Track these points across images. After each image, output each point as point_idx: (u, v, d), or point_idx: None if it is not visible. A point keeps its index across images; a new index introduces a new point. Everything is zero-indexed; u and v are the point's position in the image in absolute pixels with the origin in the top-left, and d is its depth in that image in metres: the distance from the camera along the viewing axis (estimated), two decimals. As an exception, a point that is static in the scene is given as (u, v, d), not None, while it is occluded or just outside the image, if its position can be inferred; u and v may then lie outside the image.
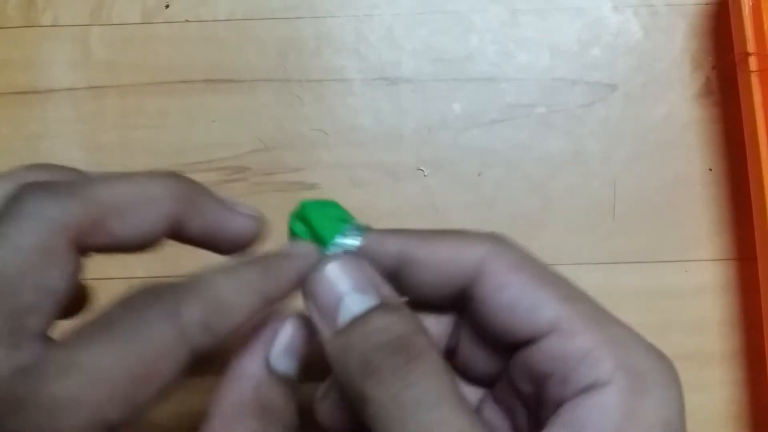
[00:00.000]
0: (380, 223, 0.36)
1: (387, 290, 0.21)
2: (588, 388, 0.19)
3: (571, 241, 0.34)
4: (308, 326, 0.22)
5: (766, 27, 0.30)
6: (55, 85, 0.35)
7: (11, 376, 0.18)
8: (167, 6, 0.36)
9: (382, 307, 0.20)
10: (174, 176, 0.22)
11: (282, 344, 0.22)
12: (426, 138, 0.35)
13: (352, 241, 0.22)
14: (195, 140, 0.35)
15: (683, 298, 0.34)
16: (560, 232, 0.34)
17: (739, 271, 0.34)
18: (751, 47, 0.31)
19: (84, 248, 0.20)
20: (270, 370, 0.21)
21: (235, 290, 0.20)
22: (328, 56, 0.35)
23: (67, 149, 0.35)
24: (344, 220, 0.23)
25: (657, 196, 0.34)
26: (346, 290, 0.20)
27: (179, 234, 0.21)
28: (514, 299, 0.20)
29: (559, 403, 0.19)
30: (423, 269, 0.22)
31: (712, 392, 0.33)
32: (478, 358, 0.22)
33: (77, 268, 0.20)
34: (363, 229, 0.22)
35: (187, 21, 0.36)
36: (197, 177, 0.36)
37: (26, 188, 0.20)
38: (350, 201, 0.34)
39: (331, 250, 0.22)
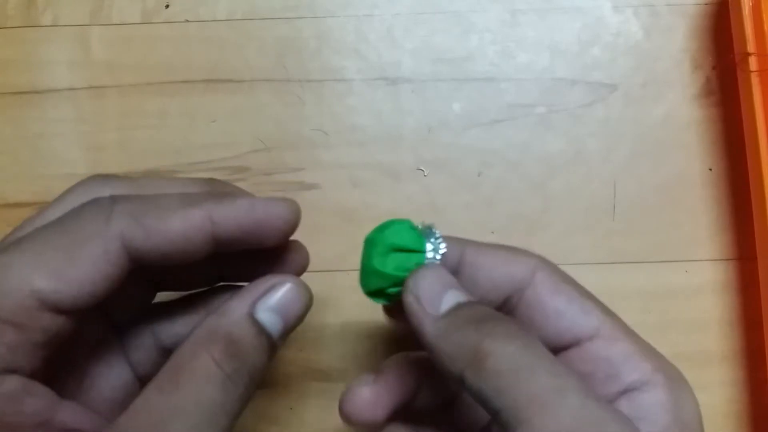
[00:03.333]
0: (380, 223, 0.36)
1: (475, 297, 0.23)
2: (634, 386, 0.22)
3: (571, 241, 0.34)
4: (305, 296, 0.23)
5: (766, 27, 0.30)
6: (55, 85, 0.35)
7: None
8: (167, 6, 0.36)
9: (479, 302, 0.22)
10: (206, 179, 0.24)
11: (273, 299, 0.22)
12: (426, 138, 0.35)
13: (439, 247, 0.24)
14: (195, 140, 0.35)
15: (683, 298, 0.34)
16: (560, 232, 0.34)
17: (739, 271, 0.34)
18: (751, 47, 0.31)
19: (135, 256, 0.21)
20: (251, 314, 0.22)
21: (175, 197, 0.22)
22: (328, 56, 0.35)
23: (67, 149, 0.35)
24: (412, 227, 0.24)
25: (657, 196, 0.34)
26: (449, 287, 0.22)
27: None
28: (565, 304, 0.23)
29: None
30: (481, 273, 0.24)
31: (712, 392, 0.33)
32: None
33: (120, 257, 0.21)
34: (436, 234, 0.24)
35: (187, 21, 0.36)
36: (197, 177, 0.36)
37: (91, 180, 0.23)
38: (350, 201, 0.34)
39: (428, 256, 0.24)
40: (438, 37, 0.36)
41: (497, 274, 0.24)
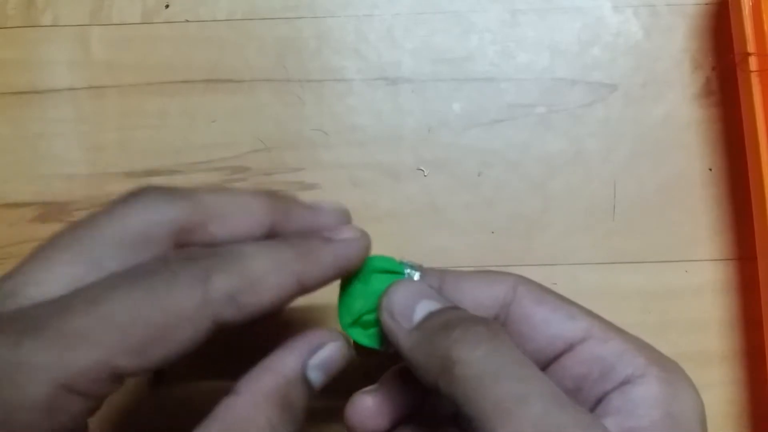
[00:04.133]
0: (380, 223, 0.36)
1: (449, 302, 0.23)
2: (627, 380, 0.22)
3: (571, 241, 0.34)
4: (348, 353, 0.23)
5: (766, 27, 0.30)
6: (55, 85, 0.35)
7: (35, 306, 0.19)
8: (167, 6, 0.36)
9: (452, 307, 0.22)
10: (269, 192, 0.24)
11: (322, 356, 0.23)
12: (426, 138, 0.35)
13: (418, 271, 0.25)
14: (195, 140, 0.35)
15: (683, 298, 0.34)
16: (560, 232, 0.34)
17: (739, 271, 0.34)
18: (751, 47, 0.31)
19: (186, 245, 0.21)
20: (304, 373, 0.22)
21: (269, 268, 0.21)
22: (328, 56, 0.35)
23: (67, 149, 0.35)
24: (392, 259, 0.25)
25: (657, 196, 0.34)
26: (420, 297, 0.23)
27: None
28: (550, 312, 0.23)
29: (599, 398, 0.22)
30: (465, 297, 0.24)
31: (712, 392, 0.33)
32: None
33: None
34: (416, 267, 0.25)
35: (187, 21, 0.36)
36: (197, 177, 0.36)
37: (145, 188, 0.22)
38: (350, 201, 0.34)
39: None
40: (438, 37, 0.36)
41: (480, 295, 0.24)
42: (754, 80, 0.30)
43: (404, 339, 0.22)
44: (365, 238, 0.23)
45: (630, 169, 0.34)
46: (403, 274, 0.24)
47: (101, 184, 0.35)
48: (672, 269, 0.34)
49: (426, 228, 0.34)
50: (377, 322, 0.24)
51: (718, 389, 0.33)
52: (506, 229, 0.34)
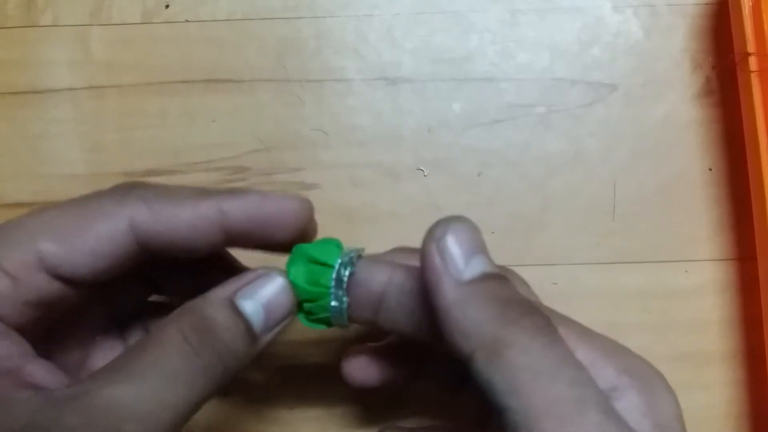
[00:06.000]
0: (380, 223, 0.36)
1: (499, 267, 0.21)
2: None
3: (571, 241, 0.34)
4: (292, 295, 0.23)
5: (766, 27, 0.30)
6: (55, 85, 0.35)
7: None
8: (167, 6, 0.36)
9: (505, 277, 0.20)
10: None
11: (257, 290, 0.22)
12: (426, 138, 0.35)
13: (354, 258, 0.23)
14: (195, 140, 0.35)
15: (683, 298, 0.34)
16: (560, 232, 0.34)
17: (739, 271, 0.34)
18: (751, 47, 0.31)
19: (142, 240, 0.22)
20: (230, 300, 0.22)
21: (189, 189, 0.22)
22: (327, 56, 0.35)
23: (67, 149, 0.35)
24: (339, 246, 0.24)
25: (657, 196, 0.34)
26: (478, 250, 0.20)
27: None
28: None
29: None
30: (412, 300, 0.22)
31: (712, 392, 0.33)
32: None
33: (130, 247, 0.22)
34: (359, 254, 0.23)
35: (187, 21, 0.36)
36: (197, 177, 0.36)
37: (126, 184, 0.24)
38: (350, 201, 0.34)
39: (339, 271, 0.23)
40: (438, 37, 0.36)
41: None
42: (754, 80, 0.30)
43: (450, 289, 0.19)
44: (304, 201, 0.23)
45: (630, 169, 0.34)
46: (333, 267, 0.23)
47: (101, 184, 0.34)
48: (672, 269, 0.34)
49: (426, 228, 0.34)
50: (319, 309, 0.23)
51: (718, 389, 0.33)
52: (506, 229, 0.34)
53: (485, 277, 0.20)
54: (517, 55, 0.35)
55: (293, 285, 0.23)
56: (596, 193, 0.34)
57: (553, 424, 0.17)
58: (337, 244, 0.24)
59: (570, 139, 0.35)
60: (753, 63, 0.30)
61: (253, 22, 0.36)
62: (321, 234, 0.33)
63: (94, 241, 0.21)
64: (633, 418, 0.19)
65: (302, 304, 0.23)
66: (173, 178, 0.34)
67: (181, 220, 0.21)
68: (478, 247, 0.20)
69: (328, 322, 0.23)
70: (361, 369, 0.25)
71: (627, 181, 0.34)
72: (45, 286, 0.21)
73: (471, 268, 0.20)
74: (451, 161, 0.35)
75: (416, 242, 0.35)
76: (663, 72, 0.35)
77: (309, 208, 0.23)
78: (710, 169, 0.34)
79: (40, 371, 0.21)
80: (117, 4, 0.36)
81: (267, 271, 0.23)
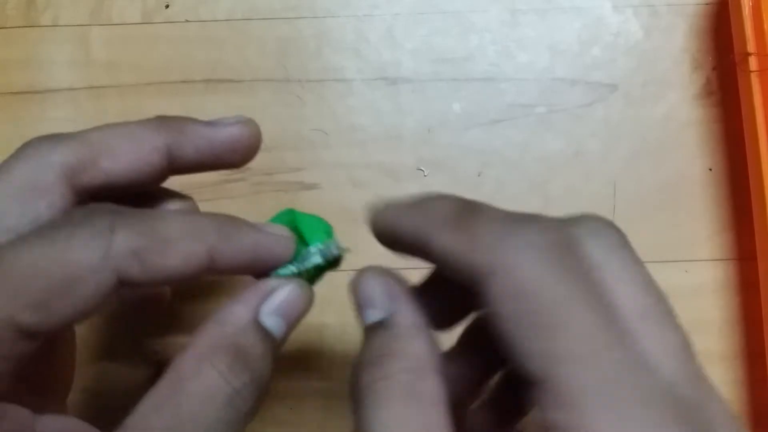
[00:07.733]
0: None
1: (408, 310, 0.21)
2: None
3: (571, 241, 0.34)
4: (307, 295, 0.22)
5: (766, 27, 0.30)
6: (55, 85, 0.35)
7: None
8: (167, 6, 0.36)
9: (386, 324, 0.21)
10: (159, 116, 0.23)
11: (276, 302, 0.21)
12: (426, 138, 0.35)
13: (333, 253, 0.23)
14: (195, 140, 0.35)
15: (683, 298, 0.33)
16: (560, 232, 0.34)
17: (739, 271, 0.34)
18: (751, 47, 0.31)
19: (81, 188, 0.21)
20: (256, 320, 0.21)
21: (181, 232, 0.20)
22: (328, 56, 0.35)
23: (67, 149, 0.35)
24: (329, 234, 0.24)
25: (657, 196, 0.34)
26: (370, 300, 0.21)
27: (178, 164, 0.22)
28: None
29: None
30: None
31: (712, 392, 0.33)
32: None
33: (67, 204, 0.21)
34: (343, 249, 0.24)
35: (187, 21, 0.36)
36: (197, 177, 0.36)
37: (33, 138, 0.22)
38: (350, 201, 0.34)
39: (311, 253, 0.23)
40: (438, 37, 0.36)
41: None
42: (754, 80, 0.30)
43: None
44: (250, 125, 0.23)
45: (630, 169, 0.34)
46: (308, 246, 0.23)
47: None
48: (672, 269, 0.34)
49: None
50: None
51: (718, 389, 0.33)
52: (506, 229, 0.34)
53: (373, 327, 0.21)
54: (517, 55, 0.35)
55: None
56: (596, 193, 0.34)
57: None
58: (326, 230, 0.24)
59: (570, 139, 0.35)
60: (753, 63, 0.30)
61: (253, 22, 0.36)
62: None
63: (81, 305, 0.19)
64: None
65: None
66: (173, 178, 0.34)
67: (172, 273, 0.20)
68: (377, 293, 0.22)
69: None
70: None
71: (627, 181, 0.34)
72: (25, 349, 0.19)
73: (367, 317, 0.21)
74: (451, 161, 0.35)
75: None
76: (663, 72, 0.35)
77: (255, 129, 0.23)
78: (710, 169, 0.34)
79: (49, 426, 0.20)
80: (117, 4, 0.36)
81: (282, 281, 0.22)
